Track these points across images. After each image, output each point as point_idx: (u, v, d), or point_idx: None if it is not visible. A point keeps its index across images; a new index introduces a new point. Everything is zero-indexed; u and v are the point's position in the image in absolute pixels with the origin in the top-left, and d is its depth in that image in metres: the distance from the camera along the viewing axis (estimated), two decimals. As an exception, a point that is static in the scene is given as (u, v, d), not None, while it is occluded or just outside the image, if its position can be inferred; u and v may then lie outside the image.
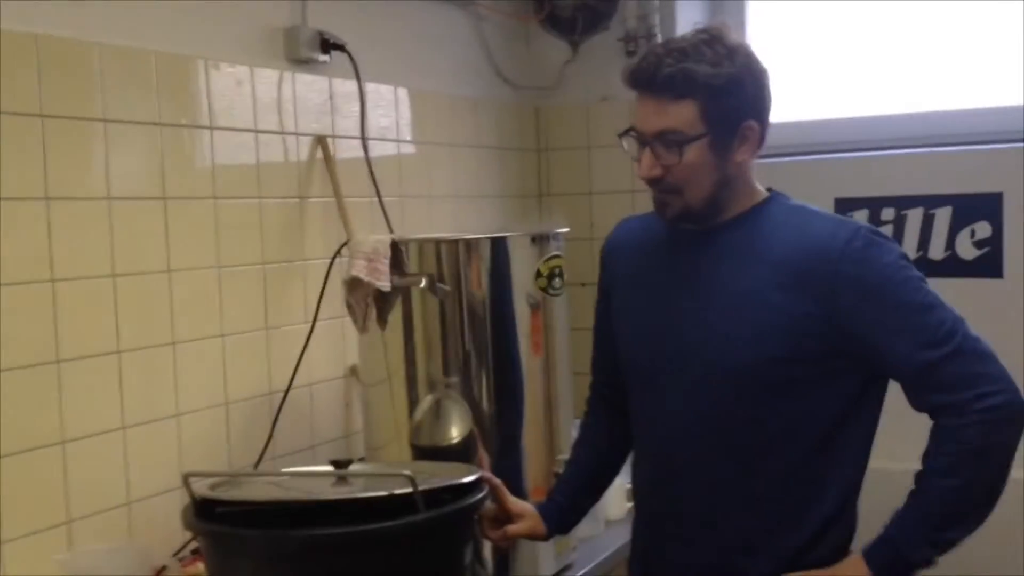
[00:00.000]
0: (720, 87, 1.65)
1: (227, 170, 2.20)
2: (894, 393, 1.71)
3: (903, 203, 2.88)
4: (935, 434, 1.64)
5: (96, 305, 1.93)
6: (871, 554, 1.65)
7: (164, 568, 1.94)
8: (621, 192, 3.06)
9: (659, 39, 3.00)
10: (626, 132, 1.73)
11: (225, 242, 2.18)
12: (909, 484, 1.65)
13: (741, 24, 3.12)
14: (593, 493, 2.00)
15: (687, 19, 3.04)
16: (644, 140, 1.69)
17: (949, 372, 1.61)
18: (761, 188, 1.78)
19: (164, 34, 2.07)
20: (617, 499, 2.44)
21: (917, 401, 1.65)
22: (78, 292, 1.89)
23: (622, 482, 2.15)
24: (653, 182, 1.70)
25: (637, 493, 1.89)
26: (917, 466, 1.65)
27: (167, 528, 1.94)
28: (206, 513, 1.60)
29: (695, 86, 1.64)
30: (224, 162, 2.19)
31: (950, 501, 1.62)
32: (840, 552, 1.71)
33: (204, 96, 2.15)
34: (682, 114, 1.65)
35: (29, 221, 1.82)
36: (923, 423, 1.66)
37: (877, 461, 1.76)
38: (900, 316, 1.63)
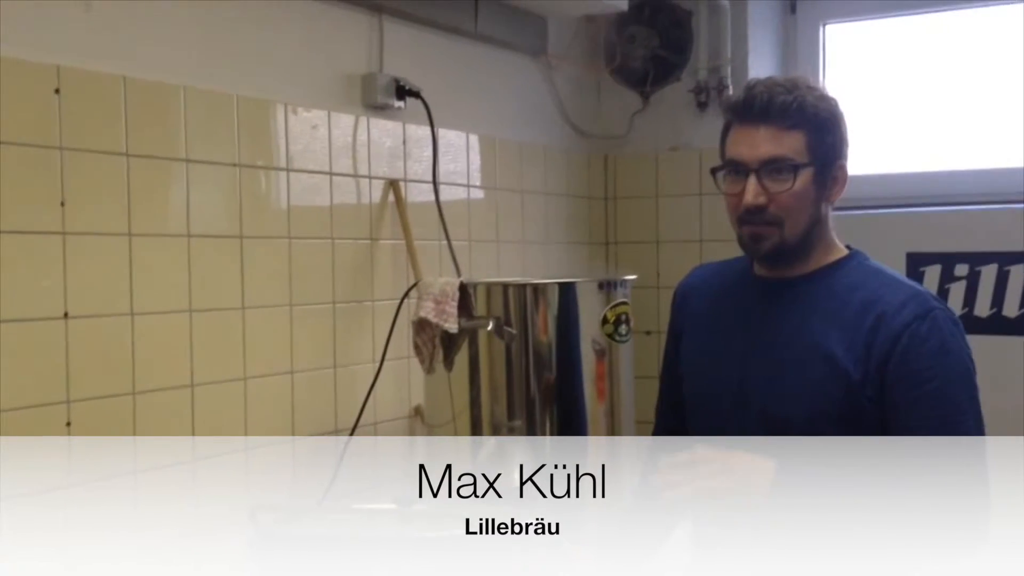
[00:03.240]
0: (824, 120, 1.69)
1: (302, 211, 2.25)
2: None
3: (977, 259, 2.84)
4: None
5: (172, 339, 1.98)
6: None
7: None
8: (689, 241, 3.06)
9: (730, 91, 3.02)
10: (724, 166, 1.73)
11: (297, 281, 2.23)
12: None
13: (816, 80, 3.12)
14: None
15: (758, 72, 3.05)
16: (749, 169, 1.68)
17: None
18: (841, 244, 1.77)
19: (246, 79, 2.14)
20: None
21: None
22: (156, 326, 1.94)
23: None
24: (753, 213, 1.68)
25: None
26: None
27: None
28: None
29: (805, 116, 1.67)
30: (299, 203, 2.24)
31: None
32: None
33: (282, 139, 2.21)
34: (794, 143, 1.67)
35: (112, 256, 1.88)
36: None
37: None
38: (934, 406, 1.63)
